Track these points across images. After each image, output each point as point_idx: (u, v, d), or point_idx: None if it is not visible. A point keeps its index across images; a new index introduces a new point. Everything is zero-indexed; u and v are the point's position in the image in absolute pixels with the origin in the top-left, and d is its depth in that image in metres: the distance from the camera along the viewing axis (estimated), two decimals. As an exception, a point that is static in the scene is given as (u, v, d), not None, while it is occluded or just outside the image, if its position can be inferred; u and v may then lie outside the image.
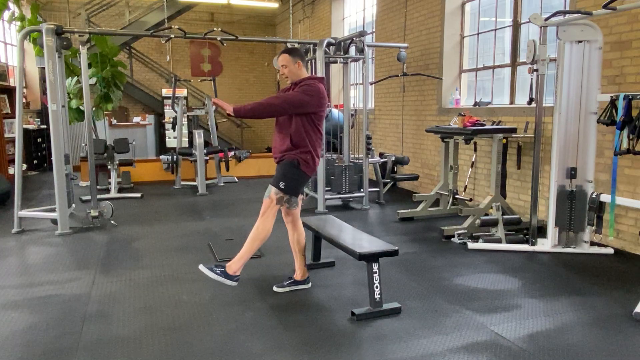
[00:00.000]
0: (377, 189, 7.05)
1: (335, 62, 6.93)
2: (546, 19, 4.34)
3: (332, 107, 8.40)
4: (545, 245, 4.60)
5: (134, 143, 8.68)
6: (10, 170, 8.06)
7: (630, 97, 4.00)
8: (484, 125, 5.30)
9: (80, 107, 8.01)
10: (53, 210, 5.31)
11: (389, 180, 7.50)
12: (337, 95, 10.00)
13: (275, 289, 3.62)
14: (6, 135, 8.54)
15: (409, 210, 5.97)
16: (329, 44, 6.31)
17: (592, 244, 4.63)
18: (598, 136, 4.50)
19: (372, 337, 2.91)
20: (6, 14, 6.94)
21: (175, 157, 7.97)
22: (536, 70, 4.39)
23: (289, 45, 5.77)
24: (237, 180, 8.91)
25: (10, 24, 7.49)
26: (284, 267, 4.06)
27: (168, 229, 5.49)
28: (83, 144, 9.24)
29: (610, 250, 4.52)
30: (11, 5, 6.99)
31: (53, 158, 5.20)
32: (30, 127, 10.06)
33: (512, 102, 6.10)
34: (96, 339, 2.88)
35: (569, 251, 4.54)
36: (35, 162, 10.07)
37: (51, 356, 2.69)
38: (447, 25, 6.96)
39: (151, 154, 11.54)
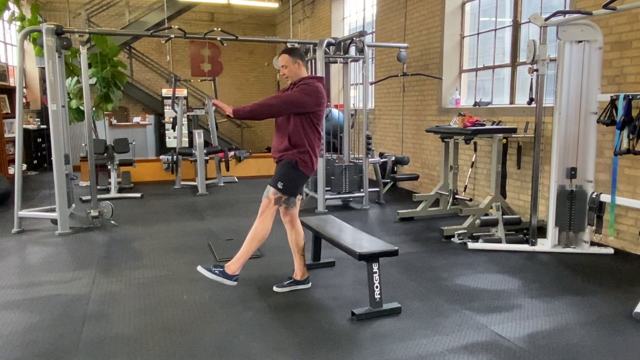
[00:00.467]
0: (377, 189, 7.05)
1: (335, 62, 6.93)
2: (546, 19, 4.34)
3: (332, 107, 8.40)
4: (545, 245, 4.60)
5: (134, 143, 8.67)
6: (10, 170, 8.07)
7: (630, 97, 4.00)
8: (484, 125, 5.31)
9: (80, 107, 8.01)
10: (53, 210, 5.31)
11: (389, 180, 7.50)
12: (337, 95, 10.00)
13: (275, 289, 3.62)
14: (6, 135, 8.55)
15: (409, 210, 5.97)
16: (329, 44, 6.31)
17: (592, 244, 4.63)
18: (598, 136, 4.50)
19: (372, 337, 2.91)
20: (6, 14, 6.94)
21: (175, 157, 7.97)
22: (536, 70, 4.39)
23: (289, 45, 5.77)
24: (237, 180, 8.91)
25: (10, 24, 7.49)
26: (283, 267, 4.06)
27: (168, 229, 5.49)
28: (83, 144, 9.24)
29: (610, 250, 4.52)
30: (11, 5, 6.99)
31: (53, 158, 5.20)
32: (30, 127, 10.08)
33: (512, 102, 6.10)
34: (96, 339, 2.88)
35: (569, 251, 4.54)
36: (35, 162, 10.08)
37: (51, 356, 2.69)
38: (447, 25, 6.96)
39: (151, 154, 11.53)
